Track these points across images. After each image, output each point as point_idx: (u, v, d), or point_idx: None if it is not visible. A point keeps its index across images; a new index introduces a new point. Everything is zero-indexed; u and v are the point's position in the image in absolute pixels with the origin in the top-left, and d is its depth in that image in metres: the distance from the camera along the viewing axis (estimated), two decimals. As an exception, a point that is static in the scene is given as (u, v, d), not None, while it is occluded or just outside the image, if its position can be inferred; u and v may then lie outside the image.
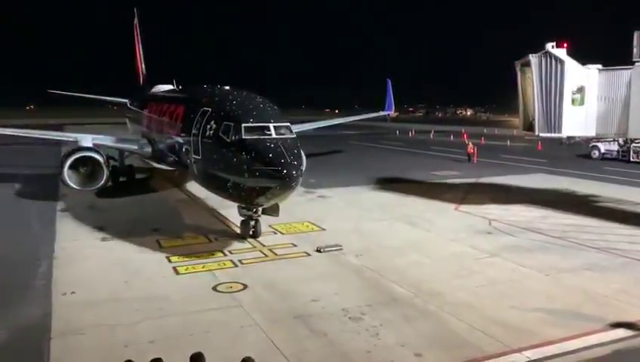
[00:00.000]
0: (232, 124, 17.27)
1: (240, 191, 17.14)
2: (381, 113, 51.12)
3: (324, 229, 21.36)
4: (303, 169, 17.27)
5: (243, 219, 19.16)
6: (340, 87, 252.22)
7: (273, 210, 18.57)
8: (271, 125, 17.21)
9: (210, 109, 19.11)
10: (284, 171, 15.97)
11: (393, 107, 49.29)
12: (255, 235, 19.30)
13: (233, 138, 17.03)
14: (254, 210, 18.47)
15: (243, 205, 18.45)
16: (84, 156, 24.95)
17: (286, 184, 16.26)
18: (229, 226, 21.54)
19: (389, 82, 47.46)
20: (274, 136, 16.95)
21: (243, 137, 16.82)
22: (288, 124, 18.07)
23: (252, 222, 19.06)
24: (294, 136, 17.76)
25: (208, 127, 18.33)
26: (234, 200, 18.43)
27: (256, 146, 16.57)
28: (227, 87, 23.02)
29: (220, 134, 17.54)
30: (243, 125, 17.05)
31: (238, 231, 19.78)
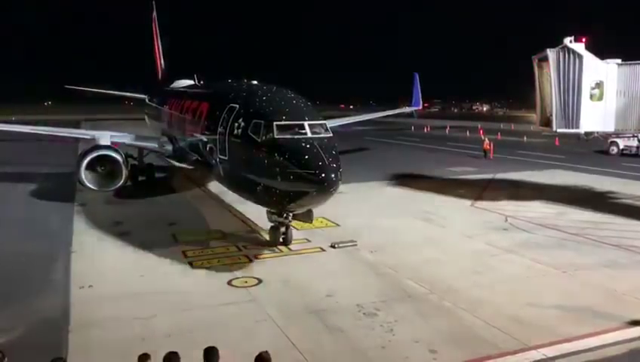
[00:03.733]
0: (263, 122, 15.91)
1: (271, 195, 15.70)
2: (408, 109, 50.17)
3: (338, 225, 21.35)
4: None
5: (272, 225, 17.90)
6: (354, 83, 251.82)
7: (306, 216, 17.14)
8: (305, 123, 15.80)
9: (237, 106, 17.85)
10: (322, 175, 14.47)
11: (421, 102, 47.55)
12: (286, 242, 18.02)
13: (264, 137, 15.64)
14: (285, 215, 17.08)
15: (273, 210, 17.14)
16: (103, 155, 23.96)
17: (324, 189, 14.69)
18: (245, 223, 21.64)
19: (417, 76, 45.83)
20: (309, 135, 15.48)
21: (275, 136, 15.42)
22: (324, 122, 16.73)
23: (282, 229, 17.81)
24: (331, 135, 16.28)
25: (236, 125, 17.05)
26: (264, 205, 17.12)
27: (290, 147, 15.14)
28: (255, 82, 22.05)
29: (249, 133, 16.20)
30: (275, 123, 15.67)
31: (267, 237, 18.65)
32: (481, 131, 73.36)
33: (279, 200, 15.81)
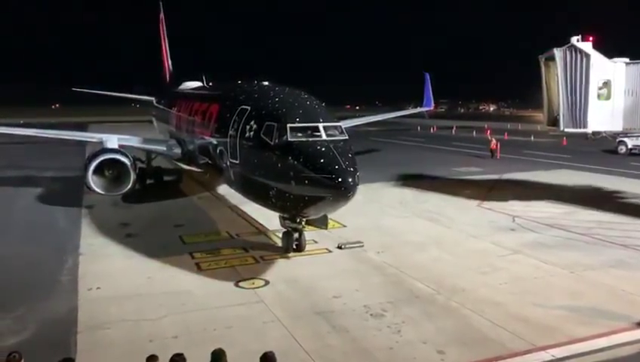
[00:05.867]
0: (276, 125, 15.37)
1: (285, 200, 15.11)
2: (420, 109, 49.77)
3: (345, 226, 21.32)
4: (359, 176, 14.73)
5: (285, 231, 17.38)
6: (358, 83, 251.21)
7: (321, 222, 16.74)
8: (320, 125, 15.25)
9: (249, 108, 17.30)
10: (339, 179, 13.84)
11: (432, 102, 47.27)
12: (299, 248, 17.45)
13: (277, 140, 15.11)
14: (299, 220, 16.55)
15: (287, 216, 16.58)
16: (110, 159, 23.35)
17: (341, 194, 14.06)
18: (252, 224, 21.67)
19: (427, 76, 45.35)
20: (324, 137, 14.95)
21: (289, 139, 14.87)
22: (339, 124, 16.24)
23: (296, 235, 17.28)
24: (347, 137, 15.77)
25: (247, 127, 16.58)
26: (277, 211, 16.53)
27: (305, 150, 14.59)
28: (266, 83, 21.67)
29: (262, 136, 15.68)
30: (289, 125, 15.10)
31: (279, 243, 18.10)
32: (488, 131, 73.13)
33: (294, 206, 15.28)
